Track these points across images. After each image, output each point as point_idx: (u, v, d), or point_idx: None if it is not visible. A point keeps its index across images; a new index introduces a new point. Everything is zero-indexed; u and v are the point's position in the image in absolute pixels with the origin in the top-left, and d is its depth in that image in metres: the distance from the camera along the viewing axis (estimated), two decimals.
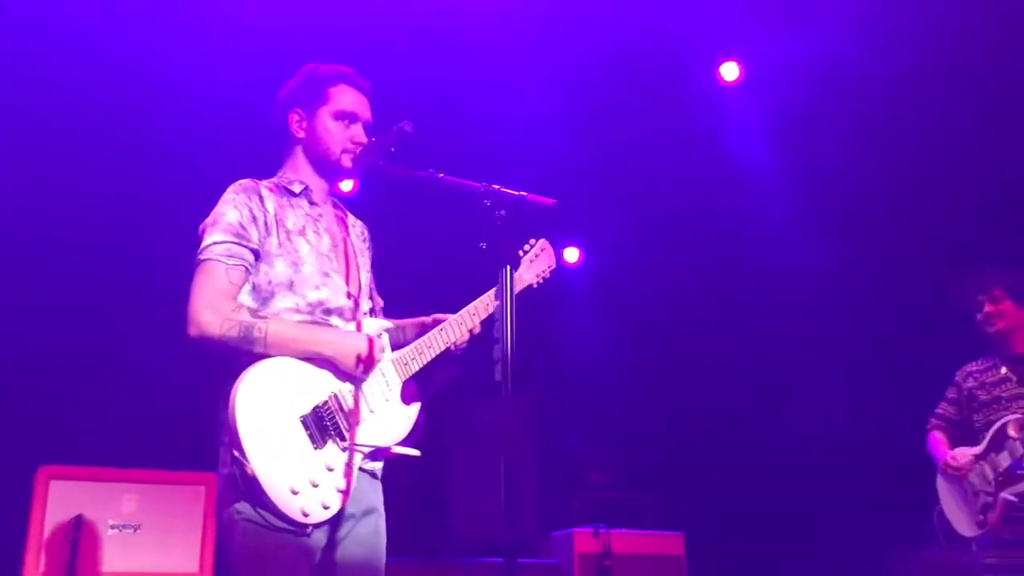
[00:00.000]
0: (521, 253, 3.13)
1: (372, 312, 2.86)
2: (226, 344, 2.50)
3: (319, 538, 2.52)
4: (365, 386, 2.65)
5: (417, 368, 2.76)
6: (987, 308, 4.23)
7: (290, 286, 2.64)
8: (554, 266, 3.24)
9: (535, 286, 3.16)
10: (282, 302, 2.62)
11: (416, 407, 2.74)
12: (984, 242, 5.42)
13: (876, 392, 5.98)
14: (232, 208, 2.65)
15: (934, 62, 5.46)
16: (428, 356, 2.78)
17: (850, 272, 6.20)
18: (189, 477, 4.53)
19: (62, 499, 4.25)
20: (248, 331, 2.50)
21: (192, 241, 2.68)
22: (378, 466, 2.74)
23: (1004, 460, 3.98)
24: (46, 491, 4.23)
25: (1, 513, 4.40)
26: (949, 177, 5.75)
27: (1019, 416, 4.04)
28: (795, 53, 5.60)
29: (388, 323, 2.82)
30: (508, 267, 2.33)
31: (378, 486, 2.74)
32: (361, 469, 2.62)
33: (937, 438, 4.41)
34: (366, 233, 3.04)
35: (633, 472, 6.62)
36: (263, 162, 2.94)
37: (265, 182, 2.78)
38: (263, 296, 2.63)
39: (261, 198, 2.70)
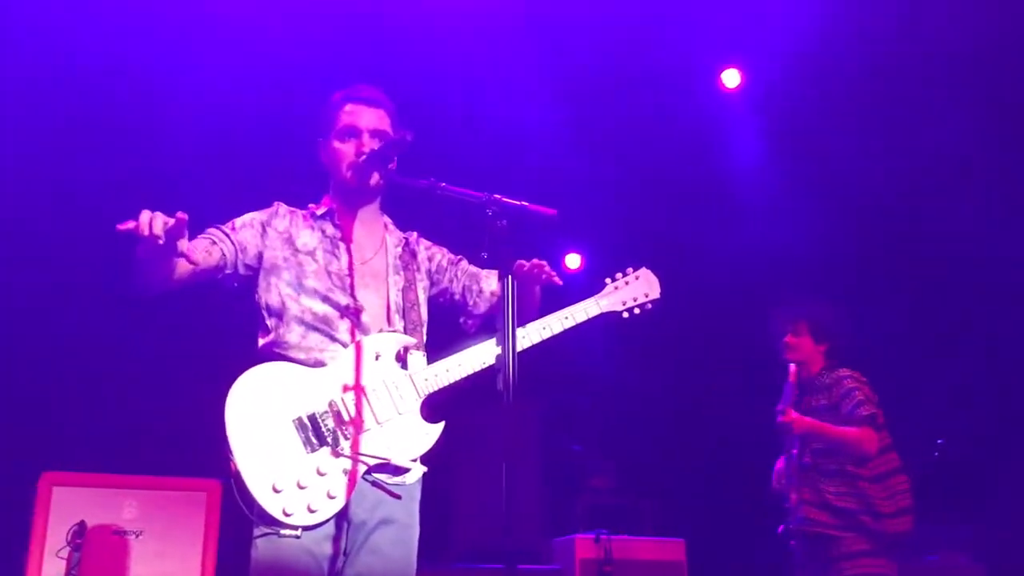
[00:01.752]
0: (608, 280, 3.06)
1: (408, 327, 2.83)
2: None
3: (323, 547, 2.55)
4: (372, 397, 2.67)
5: (441, 385, 2.75)
6: (788, 339, 4.60)
7: (297, 297, 2.78)
8: (655, 296, 3.07)
9: (625, 315, 3.03)
10: (292, 309, 2.76)
11: (439, 426, 2.73)
12: (991, 241, 5.45)
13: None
14: (245, 214, 2.89)
15: (935, 61, 5.48)
16: (456, 375, 2.77)
17: (853, 278, 6.21)
18: (191, 484, 4.52)
19: (65, 505, 4.24)
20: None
21: None
22: (402, 481, 2.70)
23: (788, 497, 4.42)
24: (49, 497, 4.23)
25: (4, 519, 4.42)
26: (954, 178, 5.76)
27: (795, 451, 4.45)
28: (797, 59, 5.61)
29: (405, 338, 2.80)
30: (509, 277, 2.34)
31: (405, 500, 2.70)
32: (376, 483, 2.63)
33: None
34: (416, 246, 3.05)
35: (635, 478, 6.62)
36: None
37: (288, 207, 2.95)
38: (277, 307, 2.77)
39: (272, 216, 2.90)
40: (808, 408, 4.44)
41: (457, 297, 3.05)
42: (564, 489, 6.49)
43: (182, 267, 2.64)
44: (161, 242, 2.36)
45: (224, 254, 2.76)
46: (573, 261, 7.21)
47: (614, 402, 6.84)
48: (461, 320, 3.08)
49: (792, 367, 4.36)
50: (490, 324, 3.01)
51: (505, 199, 2.50)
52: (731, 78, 6.10)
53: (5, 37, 4.73)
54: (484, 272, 3.07)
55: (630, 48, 5.56)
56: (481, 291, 3.05)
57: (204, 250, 2.70)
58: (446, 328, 3.06)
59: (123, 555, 4.31)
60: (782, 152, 6.24)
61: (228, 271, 2.79)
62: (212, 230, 2.80)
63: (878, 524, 4.19)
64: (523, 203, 2.52)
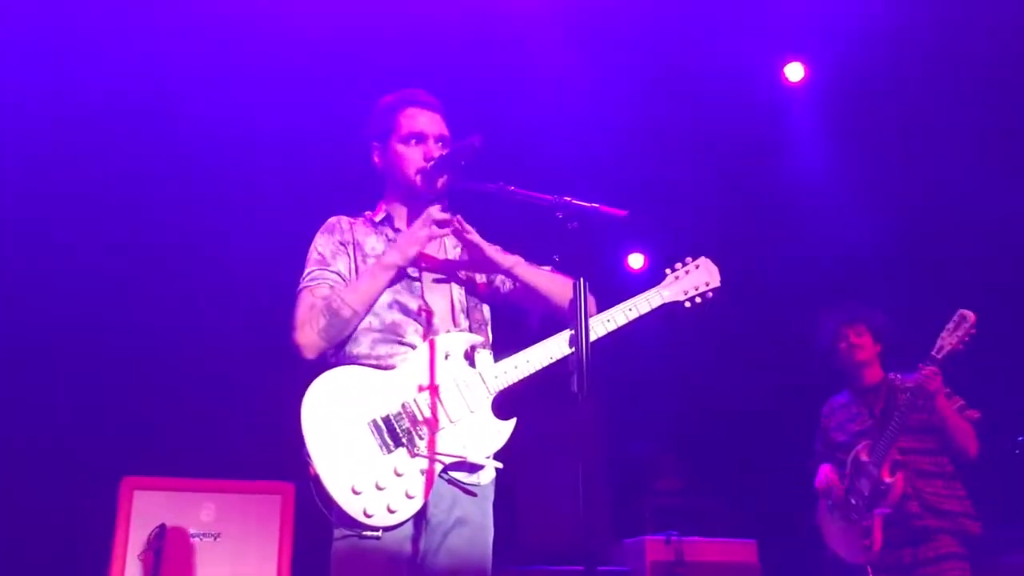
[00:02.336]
0: (668, 271, 3.01)
1: (473, 326, 2.85)
2: (328, 336, 2.72)
3: (402, 547, 2.57)
4: (444, 396, 2.68)
5: (510, 382, 2.75)
6: (852, 339, 4.69)
7: None
8: (716, 284, 3.01)
9: (687, 305, 2.97)
10: (361, 321, 2.77)
11: (511, 422, 2.73)
12: None
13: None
14: (319, 245, 2.90)
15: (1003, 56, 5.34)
16: (525, 371, 2.76)
17: (917, 279, 6.07)
18: (265, 487, 4.62)
19: (145, 509, 4.37)
20: (329, 307, 2.72)
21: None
22: (478, 480, 2.73)
23: (865, 485, 4.40)
24: (130, 501, 4.36)
25: (88, 523, 4.55)
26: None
27: (866, 442, 4.47)
28: (862, 50, 5.51)
29: (473, 337, 2.81)
30: (582, 279, 2.33)
31: (480, 500, 2.72)
32: (452, 481, 2.65)
33: (823, 471, 4.74)
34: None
35: (704, 479, 6.56)
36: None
37: (348, 218, 2.97)
38: None
39: (342, 230, 2.93)
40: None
41: (516, 295, 3.06)
42: (632, 490, 6.45)
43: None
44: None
45: (335, 287, 2.81)
46: (636, 261, 7.17)
47: (681, 402, 6.78)
48: (522, 318, 3.09)
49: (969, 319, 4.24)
50: (550, 320, 3.01)
51: (575, 201, 2.49)
52: (795, 72, 6.01)
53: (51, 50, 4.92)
54: (543, 269, 3.06)
55: (691, 43, 5.51)
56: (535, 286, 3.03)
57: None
58: (506, 326, 3.07)
59: (202, 557, 4.41)
60: (847, 148, 6.12)
61: None
62: (319, 274, 2.82)
63: (973, 527, 4.26)
64: (593, 205, 2.51)
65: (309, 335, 2.72)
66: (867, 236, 6.10)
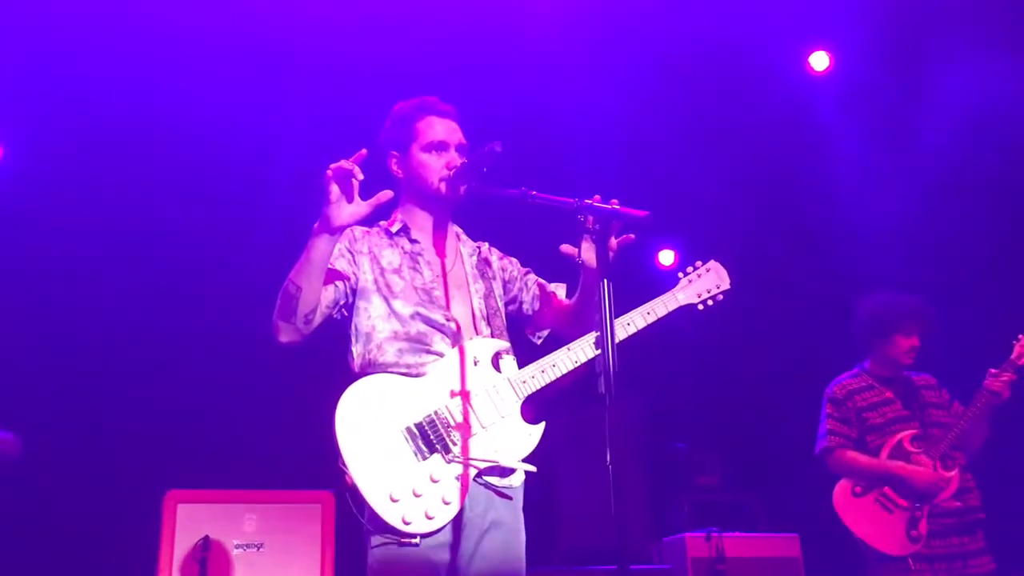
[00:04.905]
0: (681, 275, 3.09)
1: (494, 333, 2.87)
2: (283, 315, 2.66)
3: (440, 554, 2.59)
4: (475, 402, 2.71)
5: (538, 387, 2.77)
6: (917, 344, 4.51)
7: (387, 317, 2.80)
8: (726, 287, 3.12)
9: (700, 308, 3.07)
10: (383, 332, 2.79)
11: (540, 426, 2.76)
12: None
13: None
14: None
15: None
16: (551, 375, 2.79)
17: (950, 271, 5.98)
18: (306, 496, 4.65)
19: (189, 521, 4.42)
20: (282, 289, 2.67)
21: None
22: (510, 483, 2.76)
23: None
24: (174, 514, 4.41)
25: (133, 536, 4.63)
26: None
27: (911, 431, 4.42)
28: (888, 41, 5.45)
29: (500, 343, 2.84)
30: (606, 280, 2.34)
31: (511, 503, 2.75)
32: (487, 485, 2.68)
33: (857, 455, 4.52)
34: (489, 255, 3.09)
35: (743, 474, 6.51)
36: None
37: (361, 228, 2.92)
38: (366, 330, 2.81)
39: (351, 240, 2.89)
40: (927, 405, 4.51)
41: (526, 307, 3.08)
42: (670, 488, 6.43)
43: (315, 296, 2.69)
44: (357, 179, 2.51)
45: (337, 287, 2.80)
46: (667, 257, 7.15)
47: (717, 398, 6.74)
48: (528, 331, 3.11)
49: None
50: (556, 336, 3.04)
51: (596, 203, 2.50)
52: (819, 61, 5.97)
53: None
54: (552, 284, 3.11)
55: (715, 34, 5.48)
56: (549, 302, 3.06)
57: (322, 287, 2.73)
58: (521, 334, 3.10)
59: (246, 568, 4.45)
60: (873, 136, 6.05)
61: (342, 302, 2.83)
62: None
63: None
64: (615, 207, 2.51)
65: (274, 319, 2.70)
66: (897, 226, 6.02)
